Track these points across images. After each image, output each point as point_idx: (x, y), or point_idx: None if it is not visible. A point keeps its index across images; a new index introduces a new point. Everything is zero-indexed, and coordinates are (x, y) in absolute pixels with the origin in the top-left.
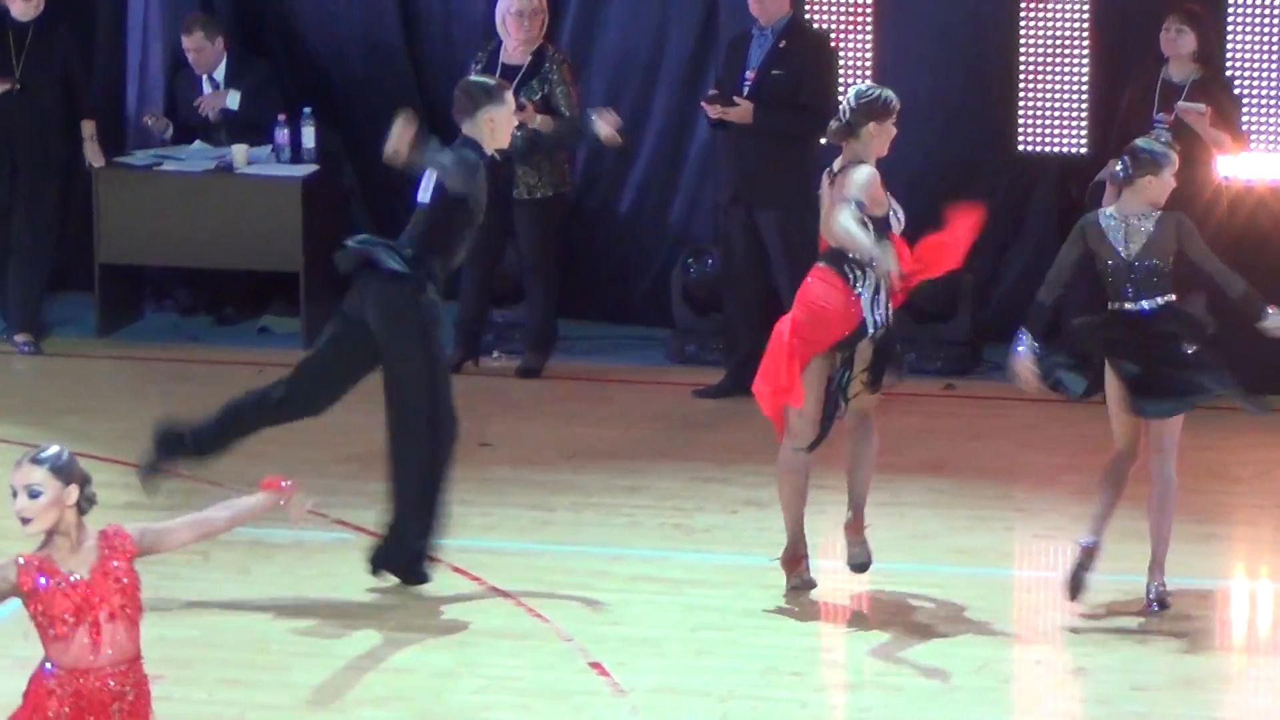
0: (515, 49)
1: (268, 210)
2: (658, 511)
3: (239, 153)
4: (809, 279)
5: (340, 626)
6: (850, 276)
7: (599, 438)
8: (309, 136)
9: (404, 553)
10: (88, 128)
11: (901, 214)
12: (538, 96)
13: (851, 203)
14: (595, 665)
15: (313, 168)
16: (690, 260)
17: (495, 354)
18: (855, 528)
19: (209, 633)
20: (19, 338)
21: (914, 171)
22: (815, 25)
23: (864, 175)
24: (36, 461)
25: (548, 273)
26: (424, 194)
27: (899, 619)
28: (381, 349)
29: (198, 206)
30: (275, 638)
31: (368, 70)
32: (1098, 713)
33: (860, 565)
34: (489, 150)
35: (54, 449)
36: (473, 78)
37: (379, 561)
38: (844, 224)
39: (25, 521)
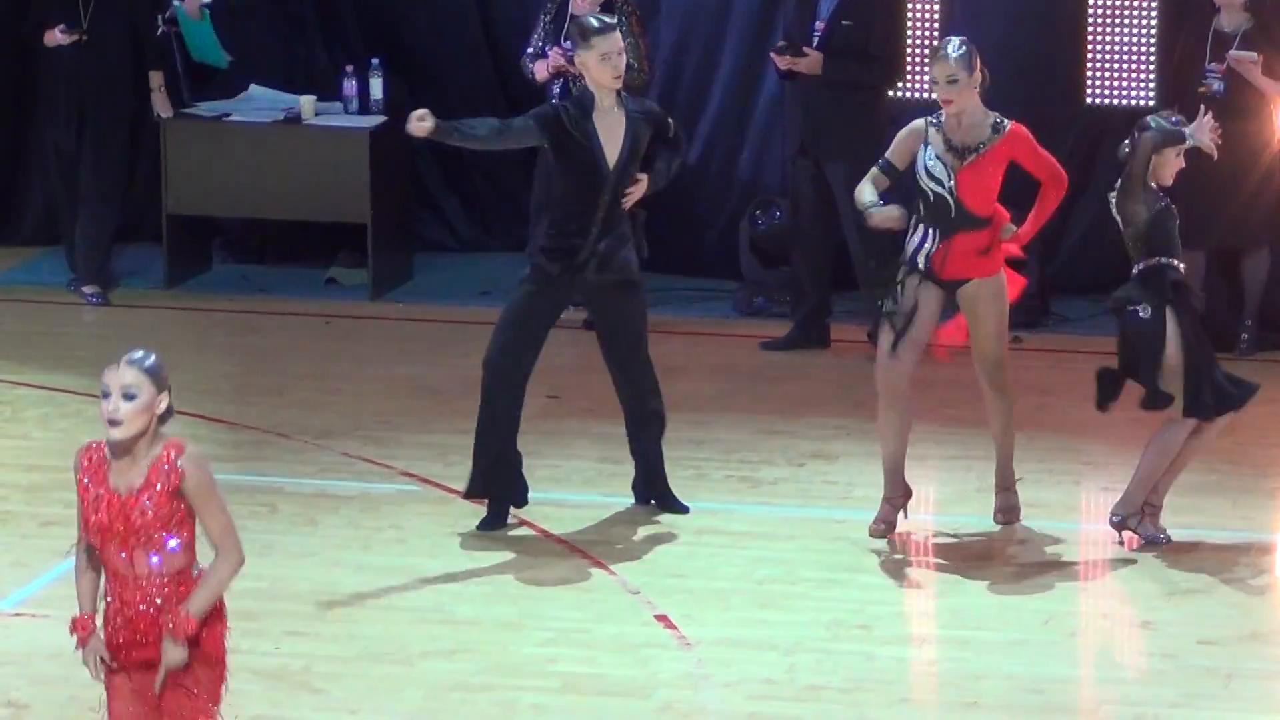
0: (583, 0)
1: (335, 161)
2: (724, 464)
3: (307, 104)
4: None
5: (406, 578)
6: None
7: (667, 389)
8: (377, 87)
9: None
10: (155, 79)
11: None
12: None
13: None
14: (661, 618)
15: (380, 119)
16: (758, 212)
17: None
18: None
19: (275, 584)
20: (87, 289)
21: None
22: None
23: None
24: (132, 363)
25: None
26: None
27: (966, 572)
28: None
29: (265, 158)
30: (341, 590)
31: (436, 21)
32: (1164, 666)
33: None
34: (597, 90)
35: (144, 352)
36: (582, 17)
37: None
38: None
39: (114, 424)
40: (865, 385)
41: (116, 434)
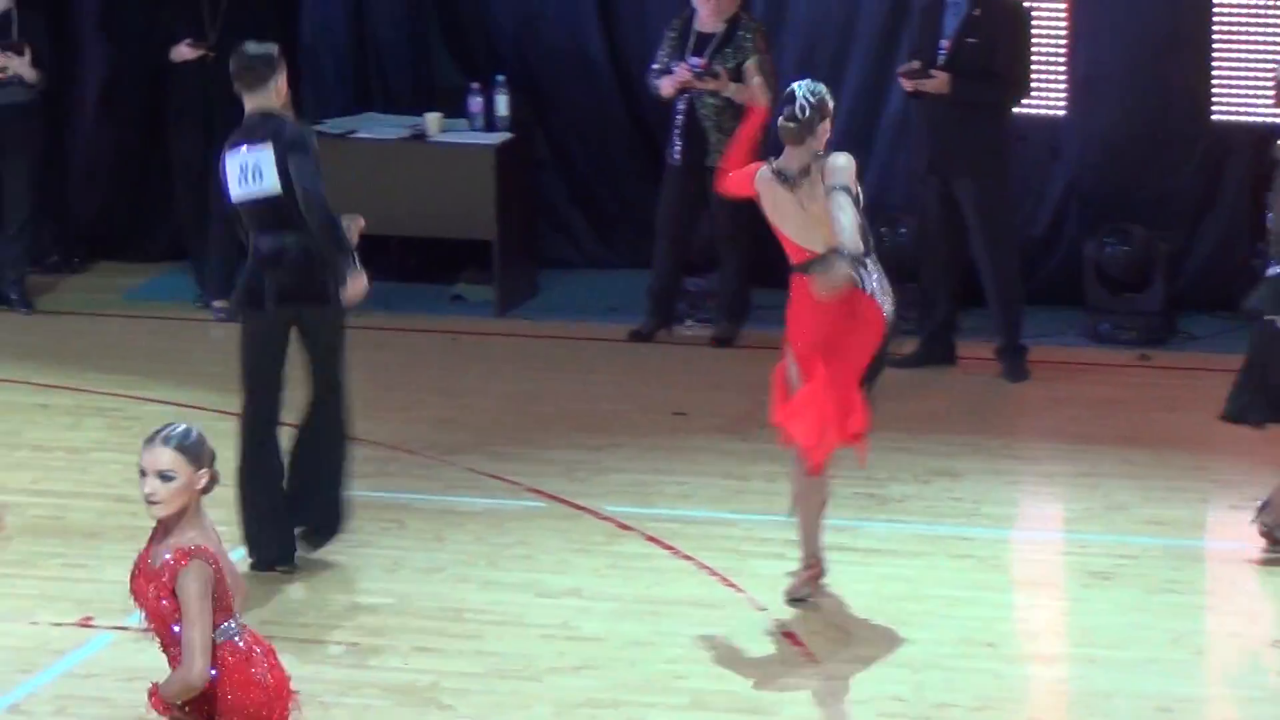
0: (709, 17)
1: (461, 178)
2: (851, 481)
3: (433, 121)
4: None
5: (533, 595)
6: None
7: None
8: (502, 105)
9: None
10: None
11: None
12: (731, 64)
13: (842, 190)
14: (788, 635)
15: (506, 135)
16: (884, 229)
17: (688, 322)
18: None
19: (403, 600)
20: (217, 304)
21: (1107, 141)
22: None
23: (848, 160)
24: (168, 441)
25: (741, 241)
26: None
27: (1094, 590)
28: None
29: (391, 174)
30: (469, 606)
31: (561, 39)
32: None
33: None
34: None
35: (183, 429)
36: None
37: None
38: (849, 212)
39: (153, 504)
40: (991, 403)
41: (157, 513)
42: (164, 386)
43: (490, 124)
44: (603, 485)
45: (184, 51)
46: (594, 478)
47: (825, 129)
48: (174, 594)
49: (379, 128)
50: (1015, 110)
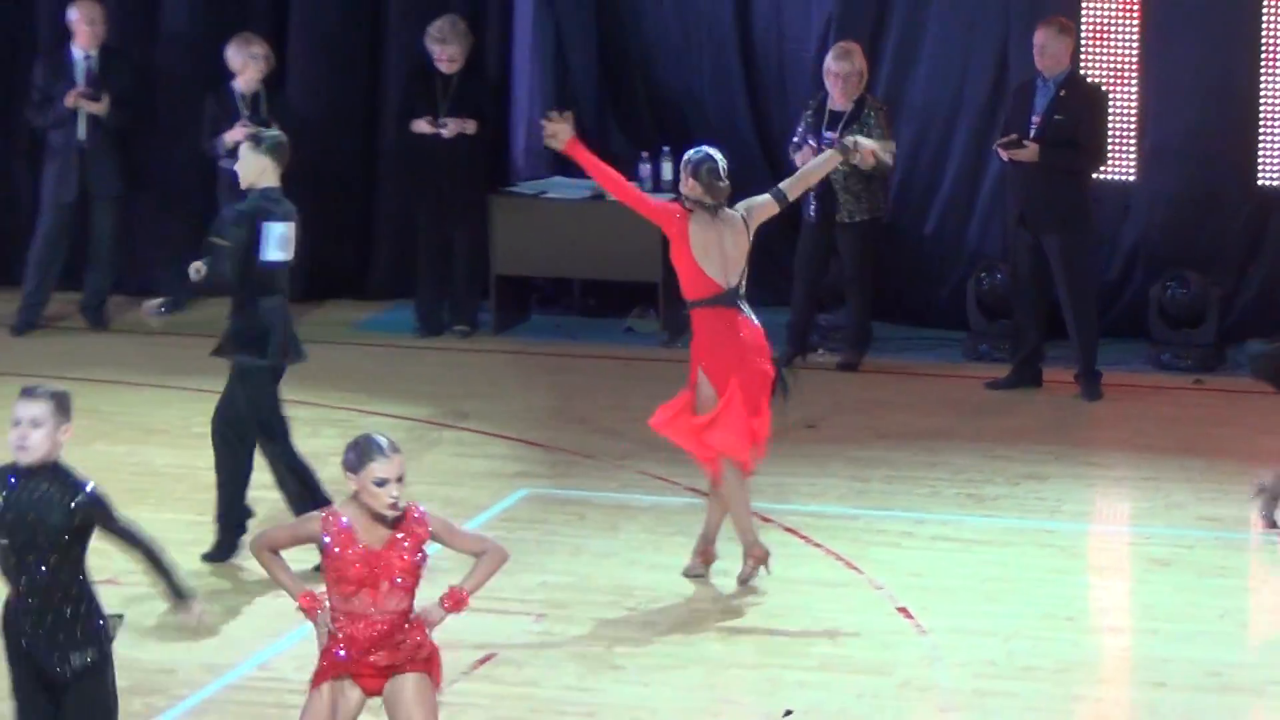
0: (839, 98)
1: (632, 230)
2: (954, 483)
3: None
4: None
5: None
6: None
7: (906, 421)
8: (666, 170)
9: None
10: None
11: None
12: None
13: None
14: (902, 609)
15: (670, 196)
16: (983, 274)
17: (820, 351)
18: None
19: (584, 579)
20: (459, 327)
21: (1170, 202)
22: (1089, 77)
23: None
24: (394, 449)
25: (865, 283)
26: None
27: (1155, 574)
28: None
29: (575, 227)
30: (638, 584)
31: (715, 114)
32: None
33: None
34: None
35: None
36: None
37: None
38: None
39: (395, 508)
40: (1071, 418)
41: (395, 515)
42: (385, 403)
43: (657, 186)
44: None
45: (422, 126)
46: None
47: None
48: (423, 544)
49: (565, 189)
50: (1094, 176)
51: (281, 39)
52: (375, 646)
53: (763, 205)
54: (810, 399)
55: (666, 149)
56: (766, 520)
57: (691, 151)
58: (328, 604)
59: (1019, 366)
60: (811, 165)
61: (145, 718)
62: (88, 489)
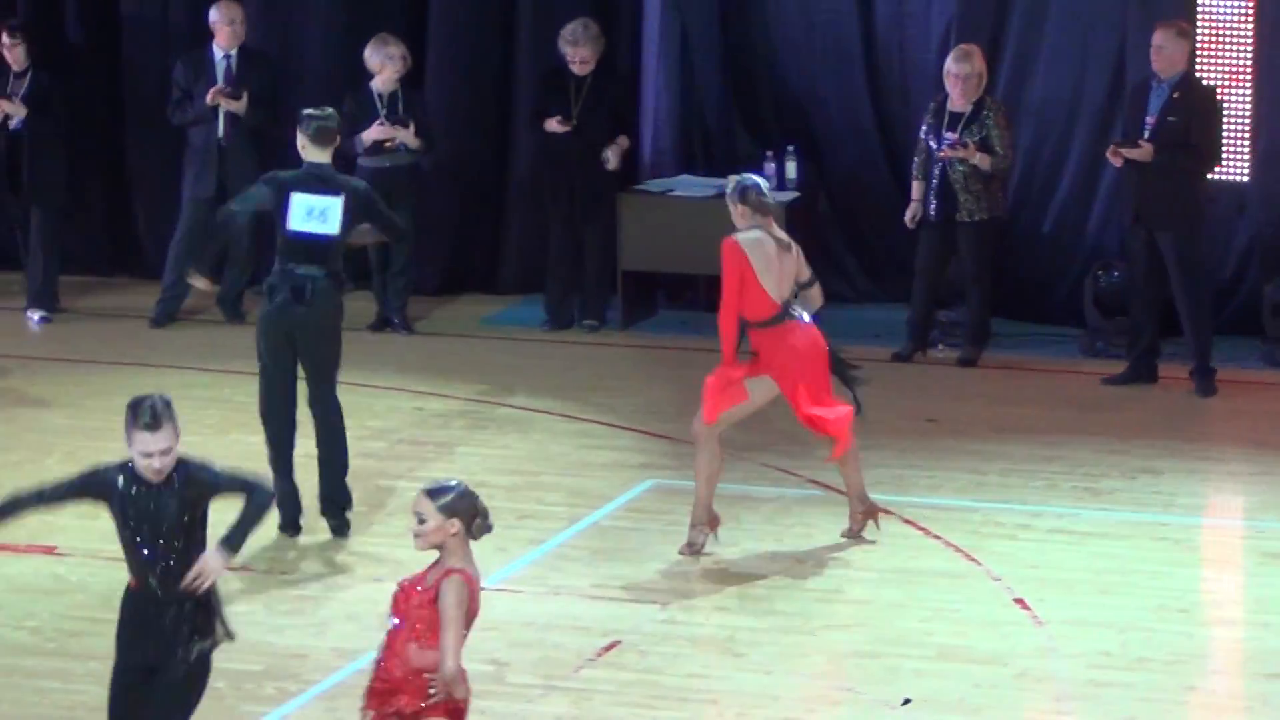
0: (959, 100)
1: None
2: (1070, 476)
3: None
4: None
5: (811, 565)
6: None
7: (1023, 416)
8: (792, 169)
9: None
10: (622, 139)
11: None
12: (977, 138)
13: None
14: (1019, 600)
15: (794, 195)
16: (1100, 272)
17: (940, 347)
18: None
19: (706, 569)
20: (589, 321)
21: (1279, 202)
22: (1204, 79)
23: None
24: (429, 494)
25: (984, 281)
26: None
27: (1267, 567)
28: None
29: (699, 225)
30: (759, 573)
31: (838, 115)
32: None
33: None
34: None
35: (451, 485)
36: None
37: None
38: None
39: (415, 537)
40: (1186, 414)
41: (415, 545)
42: (515, 394)
43: (781, 184)
44: (869, 477)
45: (553, 125)
46: (862, 471)
47: None
48: (434, 603)
49: (692, 187)
50: (1208, 176)
51: (419, 40)
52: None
53: (803, 265)
54: (930, 393)
55: (791, 148)
56: (887, 512)
57: (733, 178)
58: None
59: (1135, 363)
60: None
61: (277, 701)
62: (183, 462)
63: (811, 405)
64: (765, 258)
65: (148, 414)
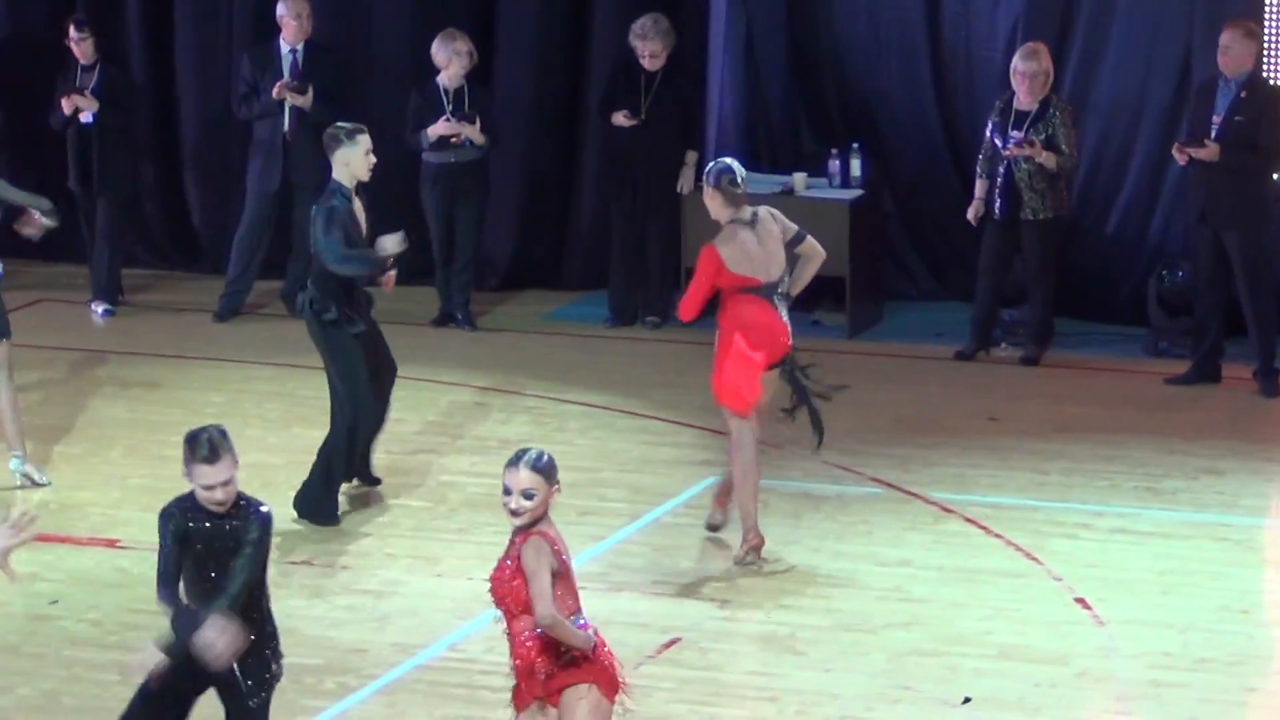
0: (1025, 98)
1: (821, 225)
2: (1132, 476)
3: (799, 179)
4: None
5: (872, 564)
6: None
7: (1086, 415)
8: (856, 167)
9: None
10: (690, 157)
11: None
12: (1042, 137)
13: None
14: (1080, 600)
15: (859, 192)
16: (1164, 271)
17: (1003, 345)
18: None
19: (766, 566)
20: (649, 318)
21: None
22: (1272, 80)
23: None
24: (530, 464)
25: (1047, 279)
26: None
27: None
28: None
29: None
30: (820, 571)
31: (904, 113)
32: None
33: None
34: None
35: (538, 452)
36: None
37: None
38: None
39: (515, 516)
40: (1249, 414)
41: (518, 523)
42: (577, 390)
43: (845, 182)
44: (930, 475)
45: (621, 119)
46: (923, 469)
47: None
48: (520, 570)
49: (755, 185)
50: (1275, 176)
51: (487, 35)
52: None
53: (787, 226)
54: (992, 392)
55: (855, 145)
56: (947, 511)
57: (710, 164)
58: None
59: (1199, 363)
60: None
61: (338, 696)
62: (262, 509)
63: (732, 374)
64: (742, 253)
65: (205, 447)
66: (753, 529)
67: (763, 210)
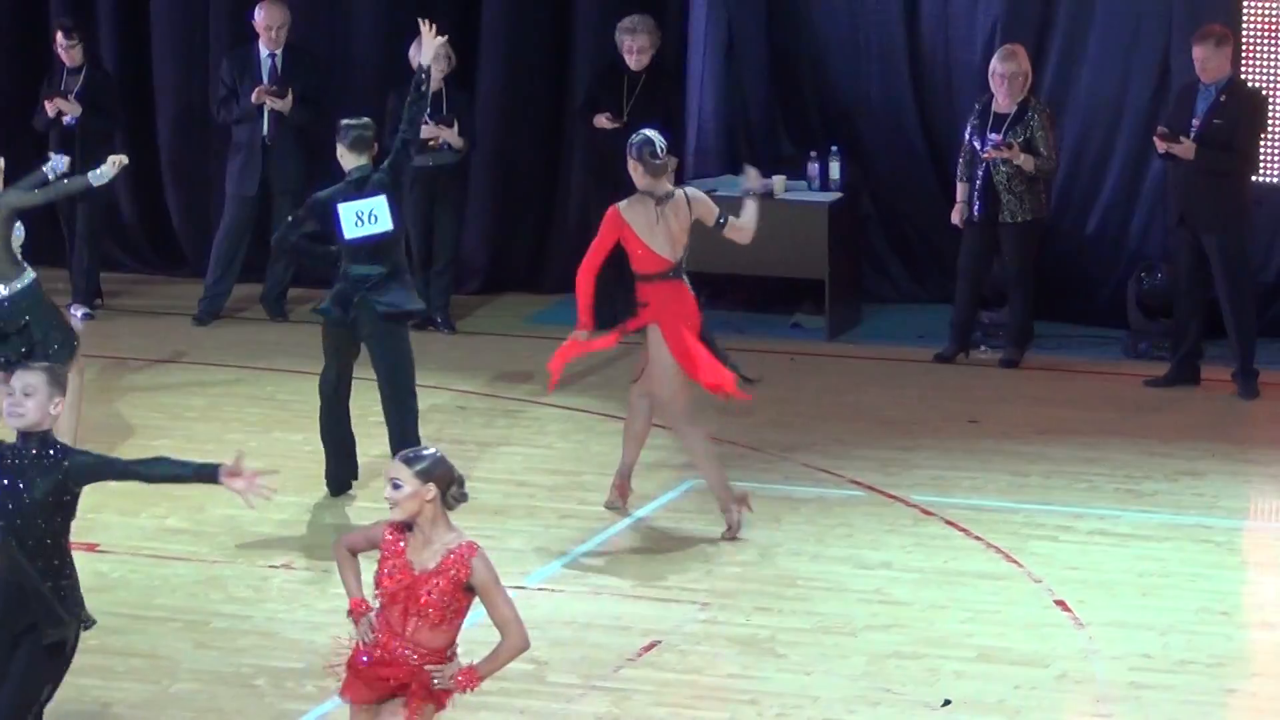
0: (1004, 100)
1: (800, 228)
2: (1112, 478)
3: (778, 182)
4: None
5: (852, 566)
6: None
7: (1066, 417)
8: (835, 170)
9: None
10: (670, 161)
11: None
12: (1021, 139)
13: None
14: (1059, 602)
15: (837, 195)
16: (1144, 273)
17: (982, 348)
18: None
19: (746, 569)
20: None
21: None
22: (1251, 81)
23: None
24: (403, 459)
25: (1027, 282)
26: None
27: None
28: None
29: None
30: (800, 574)
31: (883, 115)
32: None
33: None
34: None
35: (427, 452)
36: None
37: None
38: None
39: (392, 506)
40: (1228, 416)
41: (393, 515)
42: (557, 394)
43: (824, 185)
44: (910, 478)
45: (603, 121)
46: (903, 472)
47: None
48: (462, 586)
49: (735, 187)
50: (1254, 179)
51: (468, 39)
52: (394, 668)
53: (705, 205)
54: (972, 394)
55: (835, 148)
56: (927, 513)
57: (633, 135)
58: (372, 614)
59: (1178, 365)
60: (747, 220)
61: (317, 700)
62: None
63: (708, 367)
64: (646, 220)
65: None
66: (728, 496)
67: (682, 191)
